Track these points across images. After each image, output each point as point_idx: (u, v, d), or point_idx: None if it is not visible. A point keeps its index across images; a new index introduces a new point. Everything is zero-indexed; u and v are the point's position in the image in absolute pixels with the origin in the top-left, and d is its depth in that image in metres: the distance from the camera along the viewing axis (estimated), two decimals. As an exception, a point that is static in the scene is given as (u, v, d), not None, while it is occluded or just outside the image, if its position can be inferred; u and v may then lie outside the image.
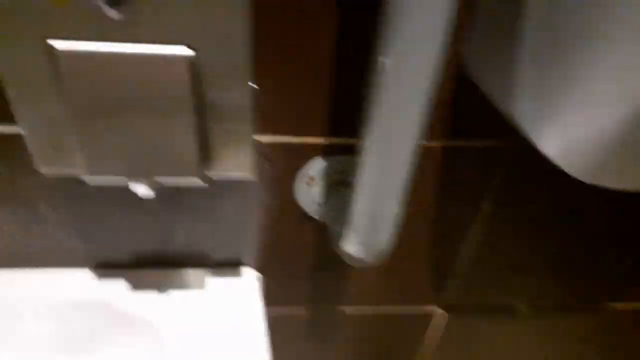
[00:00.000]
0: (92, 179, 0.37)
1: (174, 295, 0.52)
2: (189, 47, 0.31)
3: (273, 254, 0.55)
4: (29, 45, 0.30)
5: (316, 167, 0.47)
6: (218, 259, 0.55)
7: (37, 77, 0.31)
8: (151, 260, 0.54)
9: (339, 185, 0.48)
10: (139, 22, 0.30)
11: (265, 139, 0.44)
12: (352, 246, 0.41)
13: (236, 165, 0.37)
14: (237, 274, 0.55)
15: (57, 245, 0.52)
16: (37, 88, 0.32)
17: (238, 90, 0.33)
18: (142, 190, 0.37)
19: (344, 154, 0.47)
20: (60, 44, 0.30)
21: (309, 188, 0.49)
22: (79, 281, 0.52)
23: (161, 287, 0.52)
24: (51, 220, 0.49)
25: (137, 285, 0.52)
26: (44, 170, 0.37)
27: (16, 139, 0.41)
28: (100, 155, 0.35)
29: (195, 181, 0.37)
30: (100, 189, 0.46)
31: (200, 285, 0.53)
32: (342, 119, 0.44)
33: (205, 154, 0.36)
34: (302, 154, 0.47)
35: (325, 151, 0.47)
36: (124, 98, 0.32)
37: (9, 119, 0.38)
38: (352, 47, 0.39)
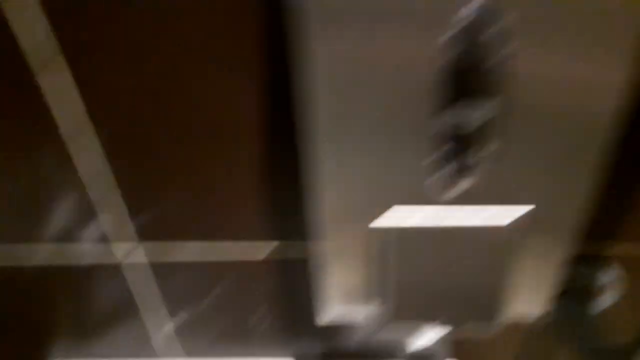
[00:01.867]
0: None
1: None
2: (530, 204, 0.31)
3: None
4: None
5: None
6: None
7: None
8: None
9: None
10: (483, 187, 0.30)
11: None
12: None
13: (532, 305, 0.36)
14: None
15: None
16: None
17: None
18: (426, 338, 0.36)
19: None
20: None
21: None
22: None
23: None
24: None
25: None
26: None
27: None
28: (409, 304, 0.35)
29: (491, 327, 0.37)
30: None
31: None
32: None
33: (507, 298, 0.36)
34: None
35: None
36: (455, 249, 0.32)
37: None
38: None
